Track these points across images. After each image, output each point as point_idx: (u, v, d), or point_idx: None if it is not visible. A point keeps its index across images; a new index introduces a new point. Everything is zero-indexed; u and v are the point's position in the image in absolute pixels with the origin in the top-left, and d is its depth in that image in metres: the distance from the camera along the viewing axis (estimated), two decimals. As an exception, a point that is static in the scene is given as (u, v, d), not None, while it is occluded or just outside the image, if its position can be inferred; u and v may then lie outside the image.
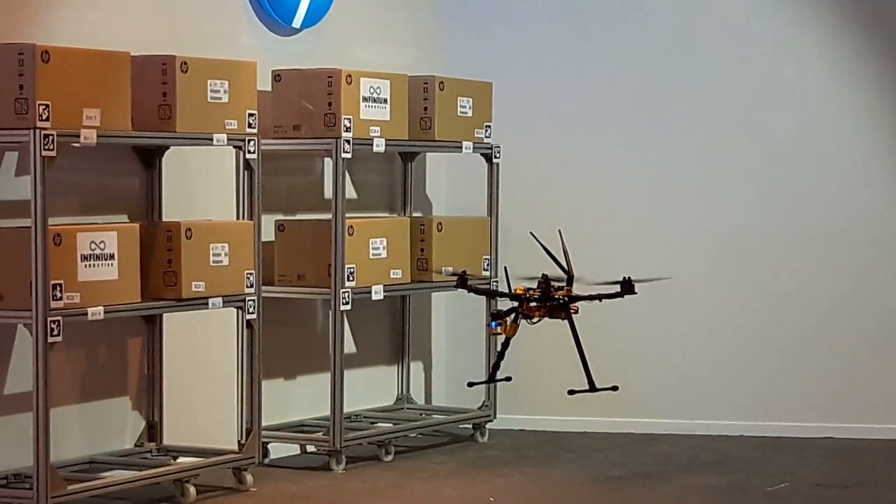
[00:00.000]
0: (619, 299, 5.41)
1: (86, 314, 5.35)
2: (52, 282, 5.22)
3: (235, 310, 6.02)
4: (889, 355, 7.33)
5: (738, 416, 7.35)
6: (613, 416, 7.28)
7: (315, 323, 6.94)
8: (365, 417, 7.07)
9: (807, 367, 7.36)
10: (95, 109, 5.36)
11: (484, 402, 7.17)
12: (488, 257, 7.08)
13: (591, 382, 5.37)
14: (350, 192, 6.92)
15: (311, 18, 6.81)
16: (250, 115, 5.99)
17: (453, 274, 5.68)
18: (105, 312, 5.42)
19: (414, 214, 7.25)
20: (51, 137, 5.18)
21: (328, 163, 6.51)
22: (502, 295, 5.38)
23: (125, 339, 6.05)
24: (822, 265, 7.36)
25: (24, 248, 5.20)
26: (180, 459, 6.02)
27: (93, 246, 5.41)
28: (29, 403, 5.26)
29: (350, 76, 6.40)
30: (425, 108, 6.84)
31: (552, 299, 5.25)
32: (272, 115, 6.44)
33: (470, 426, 7.20)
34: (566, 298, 5.26)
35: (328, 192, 6.59)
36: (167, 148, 6.05)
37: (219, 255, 5.86)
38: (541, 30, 7.51)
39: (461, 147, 7.00)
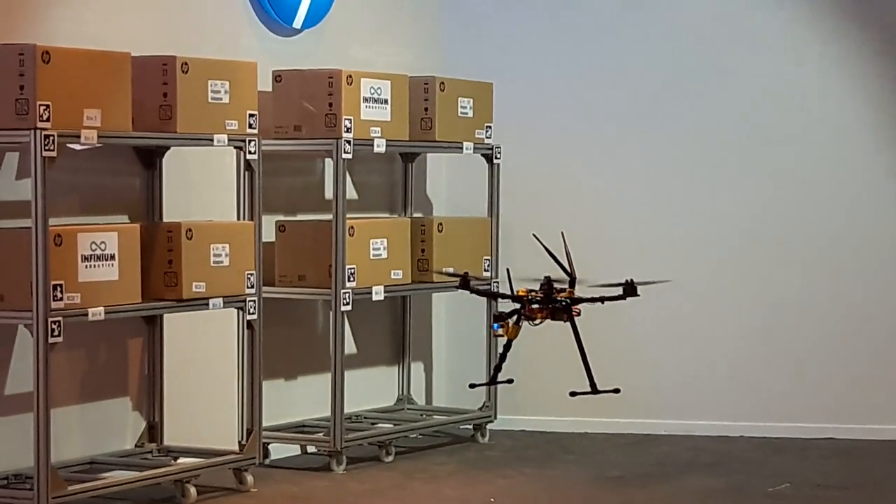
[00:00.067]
0: (619, 301, 5.42)
1: (86, 315, 5.36)
2: (53, 282, 5.22)
3: (236, 310, 6.03)
4: (890, 356, 7.33)
5: (738, 416, 7.35)
6: (613, 417, 7.29)
7: (316, 323, 6.94)
8: (365, 418, 7.07)
9: (807, 367, 7.36)
10: (96, 110, 5.37)
11: (484, 402, 7.17)
12: (489, 258, 7.09)
13: (592, 385, 5.37)
14: (351, 193, 6.92)
15: (312, 19, 6.81)
16: (251, 115, 5.99)
17: (455, 275, 5.68)
18: (106, 313, 5.42)
19: (414, 215, 7.26)
20: (51, 138, 5.18)
21: (329, 163, 6.52)
22: (504, 297, 5.38)
23: (126, 339, 6.06)
24: (823, 266, 7.36)
25: (25, 248, 5.20)
26: (181, 460, 6.03)
27: (93, 246, 5.42)
28: (29, 404, 5.26)
29: (351, 77, 6.40)
30: (426, 109, 6.84)
31: (554, 301, 5.25)
32: (273, 116, 6.45)
33: (470, 427, 7.21)
34: (568, 300, 5.27)
35: (329, 193, 6.59)
36: (168, 148, 6.06)
37: (219, 255, 5.86)
38: (541, 30, 7.52)
39: (462, 148, 7.00)
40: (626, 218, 7.47)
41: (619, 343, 7.30)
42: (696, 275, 7.32)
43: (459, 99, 6.97)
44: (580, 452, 6.98)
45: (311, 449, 6.76)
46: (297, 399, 6.83)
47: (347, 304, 6.39)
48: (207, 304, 5.83)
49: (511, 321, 5.31)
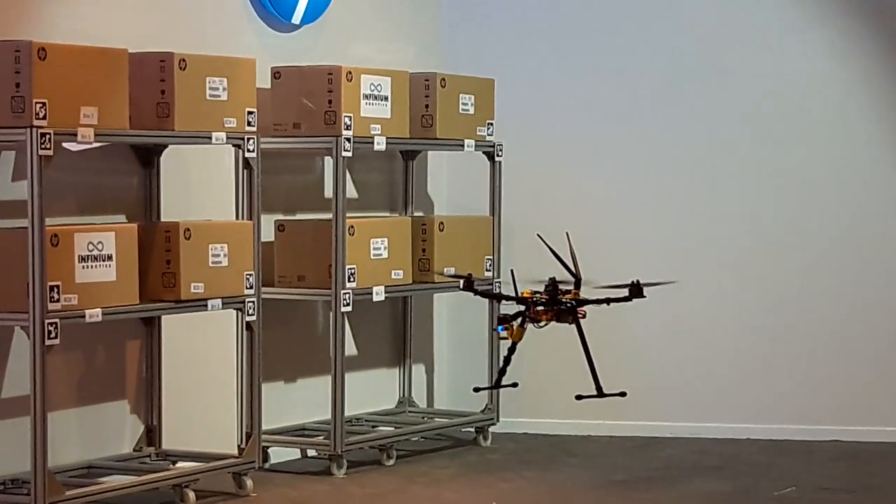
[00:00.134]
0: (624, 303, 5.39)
1: (83, 316, 5.33)
2: (50, 283, 5.20)
3: (235, 311, 6.00)
4: (897, 358, 7.33)
5: (743, 419, 7.34)
6: (617, 420, 7.27)
7: (315, 324, 6.92)
8: (366, 421, 7.05)
9: (813, 369, 7.35)
10: (93, 108, 5.34)
11: (487, 405, 7.15)
12: (491, 257, 7.06)
13: (598, 388, 5.34)
14: (351, 192, 6.90)
15: (311, 14, 6.78)
16: (249, 113, 5.97)
17: (458, 276, 5.64)
18: (103, 314, 5.40)
19: (415, 214, 7.23)
20: (48, 136, 5.15)
21: (328, 161, 6.49)
22: (509, 298, 5.35)
23: (123, 341, 6.03)
24: (828, 267, 7.35)
25: (21, 249, 5.17)
26: (179, 464, 6.00)
27: (90, 247, 5.39)
28: (26, 407, 5.24)
29: (350, 73, 6.37)
30: (427, 106, 6.82)
31: (560, 303, 5.22)
32: (272, 113, 6.42)
33: (472, 430, 7.19)
34: (574, 302, 5.24)
35: (328, 192, 6.57)
36: (165, 147, 6.03)
37: (218, 255, 5.83)
38: (543, 25, 7.50)
39: (463, 145, 6.98)
40: (628, 217, 7.45)
41: (623, 345, 7.28)
42: (700, 276, 7.30)
43: (461, 96, 6.94)
44: (584, 455, 6.96)
45: (311, 452, 6.74)
46: (297, 402, 6.81)
47: (348, 304, 6.36)
48: (206, 306, 5.80)
49: (515, 323, 5.28)
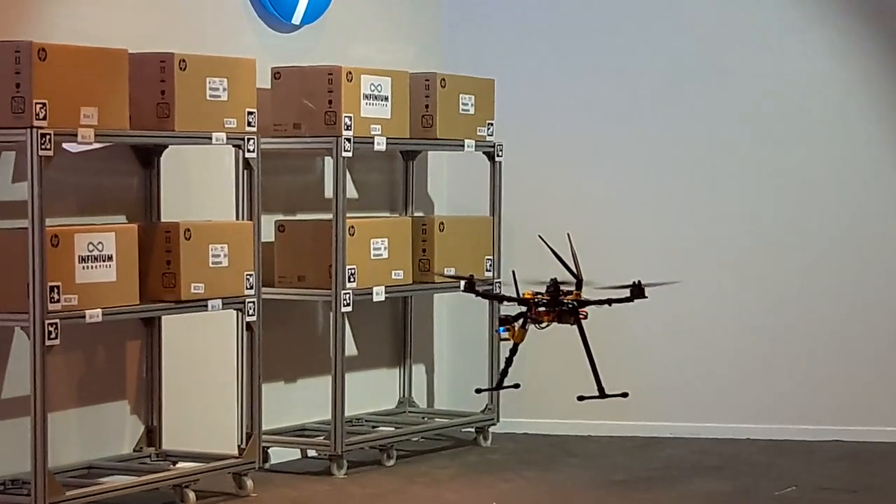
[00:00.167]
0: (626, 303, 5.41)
1: (84, 316, 5.35)
2: (50, 284, 5.21)
3: (235, 312, 6.02)
4: (898, 357, 7.35)
5: (744, 419, 7.35)
6: (618, 420, 7.28)
7: (316, 325, 6.93)
8: (366, 421, 7.07)
9: (813, 369, 7.36)
10: (93, 108, 5.36)
11: (487, 405, 7.17)
12: (491, 257, 7.08)
13: (600, 389, 5.35)
14: (351, 192, 6.92)
15: (311, 15, 6.80)
16: (249, 113, 5.98)
17: (459, 277, 5.66)
18: (103, 315, 5.41)
19: (415, 214, 7.25)
20: (48, 137, 5.17)
21: (328, 162, 6.51)
22: (510, 299, 5.36)
23: (123, 341, 6.05)
24: (828, 267, 7.36)
25: (21, 249, 5.19)
26: (179, 464, 6.02)
27: (90, 247, 5.41)
28: (26, 408, 5.25)
29: (351, 73, 6.39)
30: (427, 106, 6.84)
31: (561, 304, 5.24)
32: (272, 114, 6.44)
33: (473, 430, 7.20)
34: (575, 303, 5.26)
35: (329, 192, 6.58)
36: (165, 147, 6.05)
37: (218, 256, 5.85)
38: (544, 25, 7.51)
39: (463, 145, 7.00)
40: (629, 217, 7.46)
41: (623, 345, 7.30)
42: (700, 276, 7.31)
43: (461, 96, 6.96)
44: (584, 455, 6.98)
45: (311, 453, 6.76)
46: (297, 402, 6.83)
47: (348, 304, 6.38)
48: (206, 306, 5.82)
49: (517, 325, 5.30)
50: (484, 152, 7.11)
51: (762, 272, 7.40)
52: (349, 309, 6.39)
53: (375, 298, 6.55)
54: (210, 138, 5.84)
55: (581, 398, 5.36)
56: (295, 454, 6.75)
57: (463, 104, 6.98)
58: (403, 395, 7.36)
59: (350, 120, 6.36)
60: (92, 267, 5.40)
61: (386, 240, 6.61)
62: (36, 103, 5.16)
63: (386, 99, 6.55)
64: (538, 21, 7.51)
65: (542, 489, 6.35)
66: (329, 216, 6.39)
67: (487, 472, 6.60)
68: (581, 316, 5.30)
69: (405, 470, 6.60)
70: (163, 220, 6.05)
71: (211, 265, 5.82)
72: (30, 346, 5.20)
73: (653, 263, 7.17)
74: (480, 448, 7.11)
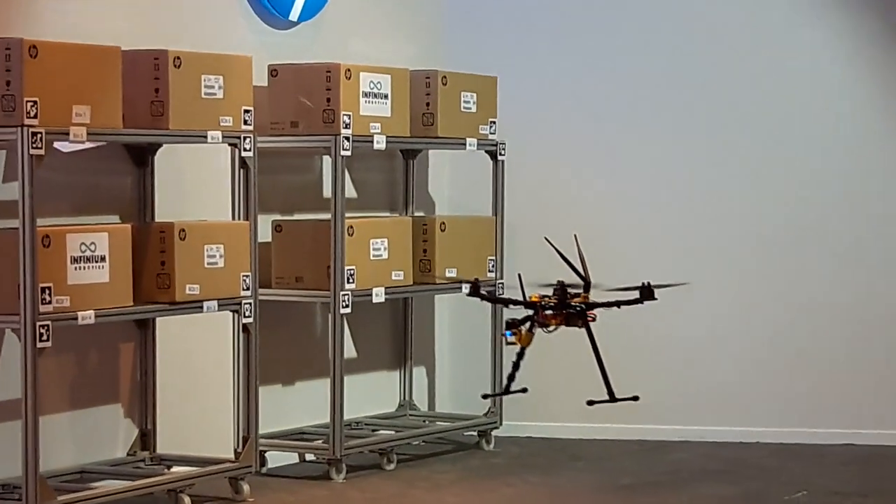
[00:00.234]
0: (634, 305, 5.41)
1: (76, 318, 5.36)
2: (41, 285, 5.22)
3: (231, 313, 6.03)
4: (910, 359, 7.34)
5: (753, 422, 7.35)
6: (624, 423, 7.28)
7: (314, 327, 6.95)
8: (366, 425, 7.07)
9: (824, 371, 7.35)
10: (85, 106, 5.37)
11: (489, 408, 7.17)
12: (493, 258, 7.09)
13: (610, 393, 5.35)
14: (350, 191, 6.93)
15: (309, 11, 6.81)
16: (246, 111, 5.99)
17: (465, 282, 5.66)
18: (96, 316, 5.42)
19: (416, 214, 7.26)
20: (39, 135, 5.18)
21: (327, 161, 6.52)
22: (517, 303, 5.36)
23: (117, 344, 6.06)
24: (840, 268, 7.35)
25: (12, 250, 5.20)
26: (174, 469, 6.03)
27: (83, 248, 5.42)
28: (17, 411, 5.26)
29: (349, 71, 6.40)
30: (427, 104, 6.85)
31: (569, 307, 5.24)
32: (269, 112, 6.45)
33: (475, 433, 7.21)
34: (583, 306, 5.26)
35: (327, 191, 6.59)
36: (160, 146, 6.06)
37: (214, 256, 5.86)
38: (547, 22, 7.51)
39: (465, 144, 7.00)
40: (635, 217, 7.46)
41: (630, 347, 7.29)
42: (708, 277, 7.30)
43: (462, 93, 6.97)
44: (589, 459, 6.98)
45: (309, 457, 6.76)
46: (295, 405, 6.84)
47: (347, 306, 6.39)
48: (201, 307, 5.83)
49: (524, 328, 5.30)
50: (486, 151, 7.12)
51: (771, 274, 7.40)
52: (348, 310, 6.39)
53: (375, 300, 6.56)
54: (205, 137, 5.85)
55: (591, 403, 5.35)
56: (293, 458, 6.76)
57: (464, 102, 6.99)
58: (404, 398, 7.37)
59: (349, 118, 6.37)
60: (84, 268, 5.41)
61: (386, 240, 6.62)
62: (27, 101, 5.17)
63: (386, 97, 6.56)
64: (541, 17, 7.52)
65: (546, 494, 6.35)
66: (327, 216, 6.40)
67: (490, 477, 6.60)
68: (589, 318, 5.30)
69: (406, 474, 6.60)
70: (157, 220, 6.06)
71: (206, 266, 5.83)
72: (21, 348, 5.22)
73: (659, 265, 7.17)
74: (483, 452, 7.12)
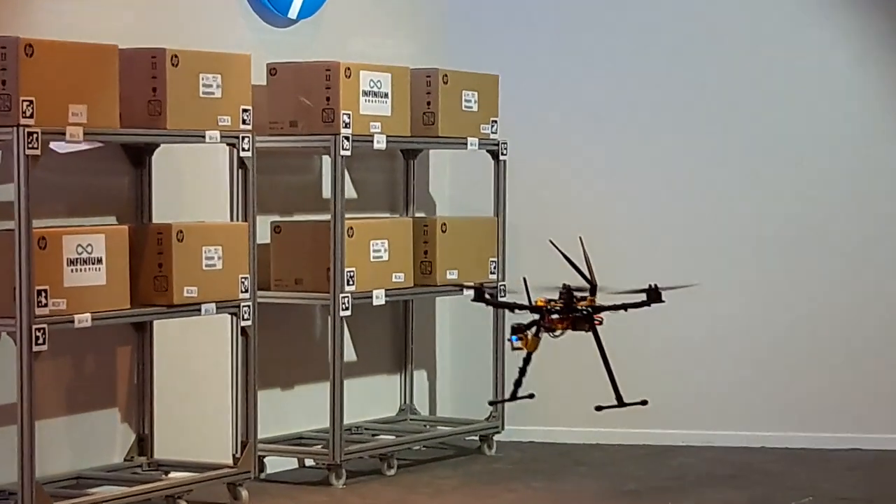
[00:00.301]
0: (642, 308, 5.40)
1: (72, 321, 5.35)
2: (37, 287, 5.22)
3: (229, 316, 6.02)
4: (917, 364, 7.34)
5: (758, 426, 7.35)
6: (628, 428, 7.27)
7: (313, 330, 6.94)
8: (366, 429, 7.07)
9: (830, 375, 7.36)
10: (82, 106, 5.37)
11: (491, 413, 7.17)
12: (495, 260, 7.08)
13: (619, 397, 5.35)
14: (350, 192, 6.92)
15: (308, 9, 6.81)
16: (244, 110, 5.99)
17: (469, 287, 5.66)
18: (92, 319, 5.42)
19: (417, 215, 7.26)
20: (35, 135, 5.18)
21: (326, 161, 6.52)
22: (523, 307, 5.35)
23: (114, 347, 6.06)
24: (846, 270, 7.36)
25: (8, 252, 5.19)
26: (172, 474, 6.03)
27: (79, 249, 5.41)
28: (13, 416, 5.26)
29: (349, 69, 6.40)
30: (428, 103, 6.84)
31: (575, 310, 5.23)
32: (267, 111, 6.45)
33: (476, 438, 7.20)
34: (590, 309, 5.25)
35: (327, 192, 6.59)
36: (157, 146, 6.05)
37: (212, 258, 5.86)
38: (549, 19, 7.51)
39: (466, 143, 7.00)
40: (638, 218, 7.46)
41: (634, 351, 7.28)
42: (713, 280, 7.29)
43: (463, 92, 6.97)
44: (593, 465, 6.98)
45: (308, 462, 6.76)
46: (295, 409, 6.83)
47: (347, 308, 6.38)
48: (199, 310, 5.82)
49: (530, 333, 5.29)
50: (488, 151, 7.12)
51: (777, 277, 7.40)
52: (348, 313, 6.39)
53: (375, 302, 6.56)
54: (203, 137, 5.85)
55: (599, 408, 5.35)
56: (292, 463, 6.76)
57: (466, 101, 6.98)
58: (404, 402, 7.36)
59: (348, 117, 6.37)
60: (81, 270, 5.41)
61: (386, 241, 6.62)
62: (23, 101, 5.17)
63: (386, 95, 6.55)
64: (543, 15, 7.51)
65: (549, 500, 6.35)
66: (327, 217, 6.39)
67: (492, 482, 6.60)
68: (596, 322, 5.30)
69: (406, 480, 6.60)
70: (154, 221, 6.05)
71: (204, 268, 5.82)
72: (16, 351, 5.21)
73: (662, 266, 7.17)
74: (485, 457, 7.12)
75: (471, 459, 7.06)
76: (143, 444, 6.12)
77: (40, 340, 5.21)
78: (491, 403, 5.96)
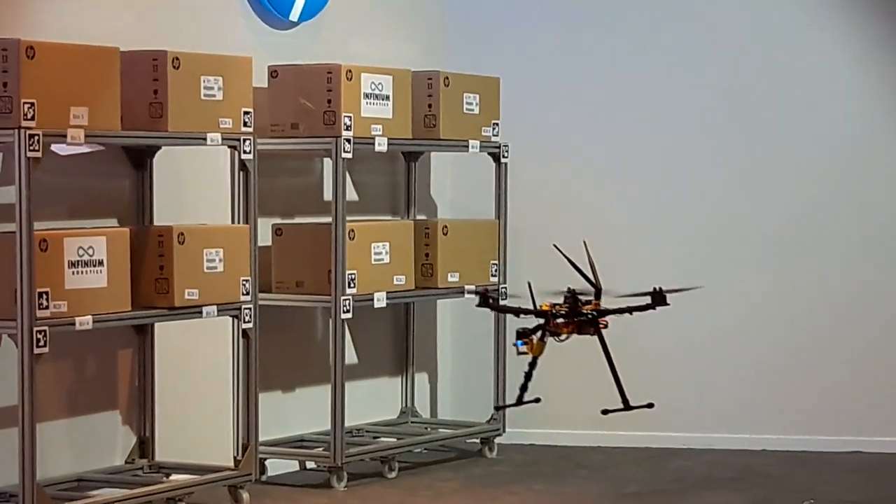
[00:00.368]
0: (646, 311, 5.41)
1: (73, 324, 5.35)
2: (38, 290, 5.22)
3: (231, 318, 6.03)
4: (919, 366, 7.34)
5: (759, 429, 7.35)
6: (629, 430, 7.26)
7: (314, 332, 6.94)
8: (367, 432, 7.07)
9: (832, 378, 7.35)
10: (83, 108, 5.37)
11: (492, 415, 7.17)
12: (497, 263, 7.09)
13: (625, 401, 5.36)
14: (351, 194, 6.92)
15: (310, 11, 6.81)
16: (246, 113, 5.99)
17: (474, 293, 5.66)
18: (94, 322, 5.42)
19: (418, 217, 7.26)
20: (36, 137, 5.18)
21: (328, 163, 6.52)
22: (528, 312, 5.36)
23: (115, 349, 6.06)
24: (848, 273, 7.35)
25: (9, 254, 5.20)
26: (173, 477, 6.03)
27: (80, 252, 5.42)
28: (14, 418, 5.26)
29: (350, 72, 6.40)
30: (430, 105, 6.85)
31: (580, 314, 5.24)
32: (269, 114, 6.45)
33: (478, 441, 7.21)
34: (595, 313, 5.26)
35: (328, 194, 6.59)
36: (159, 148, 6.06)
37: (213, 260, 5.86)
38: (551, 21, 7.51)
39: (467, 146, 7.00)
40: (640, 220, 7.46)
41: (635, 353, 7.27)
42: (714, 283, 7.29)
43: (465, 95, 6.97)
44: (594, 467, 6.98)
45: (310, 464, 6.76)
46: (296, 412, 6.83)
47: (348, 311, 6.38)
48: (201, 312, 5.82)
49: (535, 337, 5.30)
50: (489, 153, 7.12)
51: (777, 278, 7.40)
52: (349, 315, 6.39)
53: (376, 304, 6.56)
54: (205, 139, 5.85)
55: (605, 412, 5.36)
56: (293, 466, 6.76)
57: (467, 103, 6.99)
58: (406, 405, 7.36)
59: (350, 120, 6.37)
60: (82, 272, 5.41)
61: (387, 244, 6.62)
62: (24, 103, 5.17)
63: (387, 98, 6.56)
64: (545, 17, 7.51)
65: (550, 502, 6.35)
66: (328, 219, 6.40)
67: (493, 485, 6.60)
68: (601, 326, 5.31)
69: (407, 482, 6.60)
70: (156, 223, 6.05)
71: (206, 270, 5.82)
72: (18, 354, 5.21)
73: (664, 268, 7.17)
74: (486, 460, 7.12)
75: (472, 462, 7.06)
76: (145, 446, 6.12)
77: (41, 343, 5.22)
78: (497, 408, 5.95)
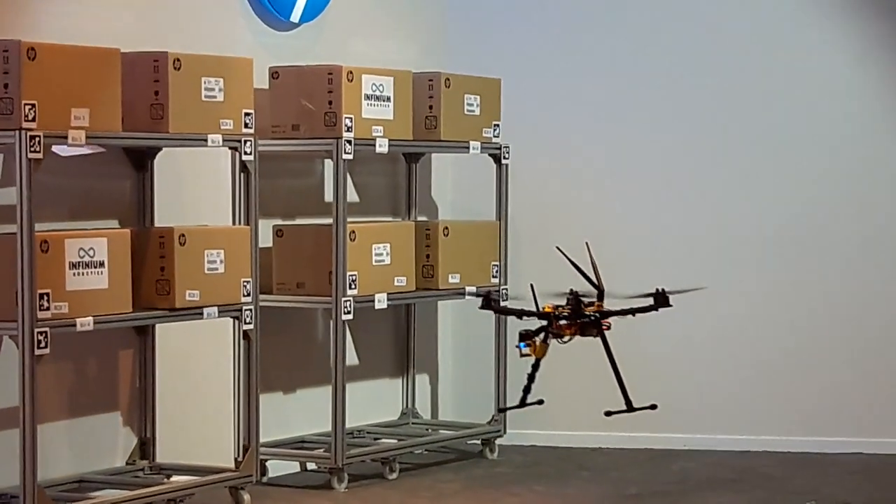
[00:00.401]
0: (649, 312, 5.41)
1: (74, 325, 5.35)
2: (39, 291, 5.22)
3: (232, 320, 6.03)
4: (920, 367, 7.34)
5: (760, 430, 7.35)
6: (630, 432, 7.26)
7: (315, 333, 6.94)
8: (368, 433, 7.07)
9: (833, 379, 7.35)
10: (84, 109, 5.37)
11: (493, 416, 7.17)
12: (497, 264, 7.08)
13: (628, 402, 5.36)
14: (352, 196, 6.92)
15: (311, 12, 6.81)
16: (247, 114, 5.99)
17: (478, 295, 5.66)
18: (95, 323, 5.42)
19: (419, 218, 7.26)
20: (37, 139, 5.18)
21: (328, 164, 6.52)
22: (531, 314, 5.36)
23: (116, 351, 6.06)
24: (849, 273, 7.36)
25: (10, 255, 5.19)
26: (174, 478, 6.03)
27: (81, 253, 5.41)
28: (15, 419, 5.26)
29: (351, 73, 6.40)
30: (430, 107, 6.85)
31: (583, 316, 5.24)
32: (270, 115, 6.45)
33: (478, 442, 7.21)
34: (597, 315, 5.26)
35: (329, 196, 6.59)
36: (159, 149, 6.06)
37: (214, 262, 5.86)
38: (551, 22, 7.51)
39: (468, 147, 7.00)
40: (641, 221, 7.46)
41: (636, 354, 7.26)
42: (716, 284, 7.27)
43: (466, 96, 6.97)
44: (595, 469, 6.98)
45: (310, 466, 6.76)
46: (296, 413, 6.83)
47: (349, 312, 6.38)
48: (202, 314, 5.82)
49: (538, 339, 5.29)
50: (490, 154, 7.12)
51: (778, 279, 7.40)
52: (350, 317, 6.39)
53: (377, 306, 6.56)
54: (206, 140, 5.85)
55: (608, 413, 5.36)
56: (294, 467, 6.76)
57: (468, 104, 6.99)
58: (406, 406, 7.36)
59: (351, 121, 6.37)
60: (83, 273, 5.41)
61: (388, 245, 6.62)
62: (25, 104, 5.17)
63: (388, 99, 6.56)
64: (545, 18, 7.51)
65: None
66: (329, 221, 6.40)
67: (494, 486, 6.60)
68: (604, 327, 5.32)
69: (408, 483, 6.60)
70: (156, 224, 6.05)
71: (206, 272, 5.82)
72: (18, 355, 5.21)
73: (665, 269, 7.17)
74: (487, 461, 7.12)
75: (473, 463, 7.06)
76: (145, 447, 6.12)
77: (42, 344, 5.22)
78: (500, 411, 5.94)
